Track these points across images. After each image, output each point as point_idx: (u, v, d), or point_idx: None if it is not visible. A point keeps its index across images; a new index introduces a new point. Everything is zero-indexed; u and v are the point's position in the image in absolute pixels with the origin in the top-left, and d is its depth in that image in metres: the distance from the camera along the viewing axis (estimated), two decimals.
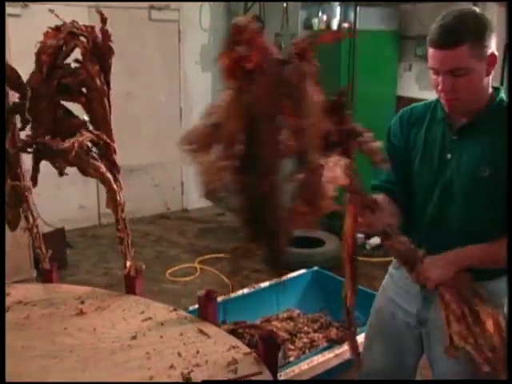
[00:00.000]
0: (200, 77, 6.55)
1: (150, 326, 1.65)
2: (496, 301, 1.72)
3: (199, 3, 6.36)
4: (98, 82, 1.65)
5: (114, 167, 1.72)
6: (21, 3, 5.11)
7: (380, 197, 1.88)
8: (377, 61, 5.57)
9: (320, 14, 5.56)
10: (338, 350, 2.65)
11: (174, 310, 1.76)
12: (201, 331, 1.62)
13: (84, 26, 1.65)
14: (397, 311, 1.98)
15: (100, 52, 1.66)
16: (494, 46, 1.74)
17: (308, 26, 5.63)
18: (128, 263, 1.79)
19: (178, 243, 5.55)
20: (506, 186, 1.66)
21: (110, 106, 1.69)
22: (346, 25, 5.42)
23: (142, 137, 6.15)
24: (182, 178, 6.59)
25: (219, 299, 3.14)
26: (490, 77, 1.77)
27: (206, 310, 1.69)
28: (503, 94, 1.82)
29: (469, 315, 1.64)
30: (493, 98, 1.78)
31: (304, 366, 2.52)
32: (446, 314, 1.67)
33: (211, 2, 6.46)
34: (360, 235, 5.61)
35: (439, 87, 1.70)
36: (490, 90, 1.79)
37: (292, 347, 2.72)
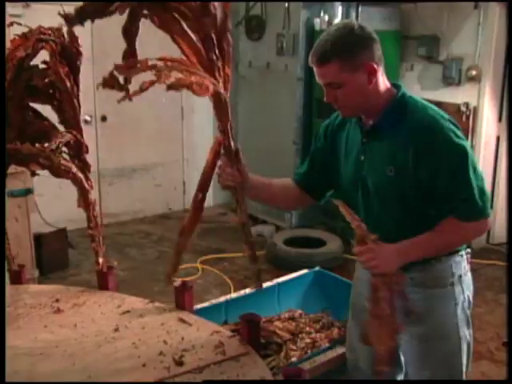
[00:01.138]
0: None
1: (129, 319, 1.68)
2: (442, 282, 1.90)
3: None
4: (67, 83, 1.68)
5: (85, 166, 1.76)
6: (23, 3, 5.12)
7: (283, 180, 2.30)
8: None
9: (322, 14, 5.55)
10: (340, 350, 2.65)
11: (151, 302, 1.79)
12: (181, 320, 1.65)
13: (51, 29, 1.66)
14: (366, 303, 2.01)
15: (68, 54, 1.70)
16: (374, 55, 1.89)
17: (310, 26, 5.62)
18: (100, 260, 1.83)
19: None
20: (409, 183, 1.79)
21: (79, 107, 1.73)
22: None
23: (143, 137, 6.15)
24: (183, 177, 6.59)
25: (221, 299, 3.14)
26: (380, 80, 1.89)
27: (184, 300, 1.74)
28: (404, 89, 1.92)
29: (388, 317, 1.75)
30: (393, 97, 1.88)
31: (306, 365, 2.52)
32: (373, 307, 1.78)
33: None
34: None
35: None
36: (388, 90, 1.90)
37: (294, 347, 2.72)
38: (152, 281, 4.33)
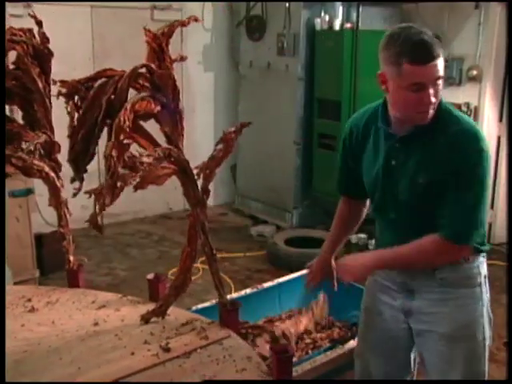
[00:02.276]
0: (202, 77, 6.56)
1: (107, 313, 1.70)
2: (471, 283, 1.93)
3: (201, 3, 6.35)
4: (39, 84, 1.69)
5: (56, 166, 1.77)
6: (23, 3, 5.12)
7: (340, 213, 2.41)
8: (379, 61, 5.56)
9: (322, 14, 5.56)
10: (340, 350, 2.65)
11: (124, 296, 1.81)
12: (153, 312, 1.66)
13: (22, 30, 1.68)
14: (383, 307, 2.05)
15: (40, 55, 1.70)
16: None
17: (310, 26, 5.63)
18: (71, 258, 1.85)
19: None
20: (436, 191, 1.80)
21: (51, 107, 1.74)
22: (348, 25, 5.41)
23: None
24: None
25: None
26: None
27: (157, 292, 1.77)
28: (445, 102, 1.89)
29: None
30: (440, 107, 1.84)
31: (307, 366, 2.52)
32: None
33: (213, 2, 6.45)
34: (363, 235, 5.62)
35: (425, 100, 1.76)
36: None
37: (295, 348, 2.72)
38: None
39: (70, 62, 4.68)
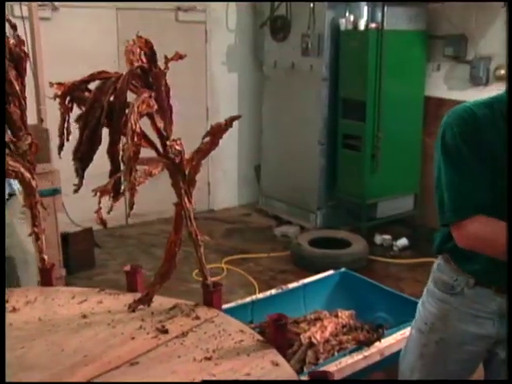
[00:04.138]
0: (226, 77, 6.57)
1: (91, 306, 1.70)
2: None
3: (225, 4, 6.37)
4: (16, 86, 1.73)
5: (31, 166, 1.80)
6: (51, 7, 5.19)
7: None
8: (404, 61, 5.53)
9: (347, 14, 5.53)
10: (366, 352, 2.64)
11: (102, 290, 1.81)
12: (140, 300, 1.68)
13: None
14: (465, 339, 1.90)
15: (16, 57, 1.73)
16: None
17: (335, 26, 5.61)
18: (45, 257, 1.85)
19: (204, 243, 5.55)
20: None
21: (26, 108, 1.79)
22: (373, 25, 5.39)
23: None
24: (208, 178, 6.61)
25: (247, 300, 3.15)
26: None
27: (135, 283, 1.80)
28: None
29: None
30: None
31: (332, 367, 2.51)
32: None
33: (237, 3, 6.47)
34: (387, 236, 5.58)
35: None
36: None
37: (320, 350, 2.71)
38: (178, 280, 4.35)
39: (96, 63, 4.68)
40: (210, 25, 6.35)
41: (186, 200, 1.61)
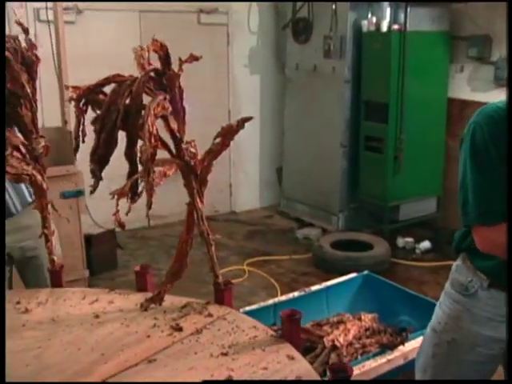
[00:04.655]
0: (248, 79, 6.58)
1: (102, 306, 1.70)
2: None
3: (247, 6, 6.38)
4: (27, 89, 1.75)
5: (42, 168, 1.82)
6: (75, 10, 5.24)
7: None
8: (427, 62, 5.49)
9: (369, 15, 5.51)
10: (389, 356, 2.62)
11: (111, 290, 1.81)
12: (151, 299, 1.69)
13: (9, 36, 1.74)
14: (478, 341, 1.88)
15: (27, 61, 1.76)
16: None
17: (357, 27, 5.59)
18: (55, 258, 1.86)
19: (226, 245, 5.58)
20: None
21: (37, 110, 1.81)
22: (395, 26, 5.35)
23: (190, 138, 6.20)
24: (230, 180, 6.63)
25: (270, 302, 3.14)
26: None
27: (145, 283, 1.81)
28: None
29: None
30: None
31: (356, 370, 2.49)
32: None
33: (259, 4, 6.47)
34: (410, 239, 5.54)
35: None
36: None
37: (344, 353, 2.70)
38: (198, 282, 4.35)
39: (119, 66, 4.73)
40: (232, 27, 6.36)
41: (197, 200, 1.64)
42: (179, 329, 1.55)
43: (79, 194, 4.09)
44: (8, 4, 4.96)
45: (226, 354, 1.43)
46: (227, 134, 1.61)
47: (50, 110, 4.21)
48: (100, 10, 5.38)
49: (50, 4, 4.60)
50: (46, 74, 4.84)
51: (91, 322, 1.61)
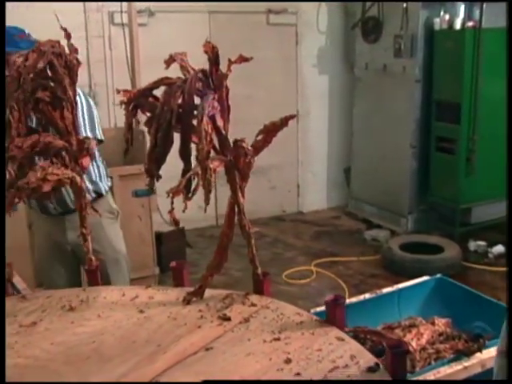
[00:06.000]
0: (317, 79, 6.56)
1: (144, 301, 1.72)
2: None
3: (317, 6, 6.36)
4: (70, 92, 1.80)
5: (81, 169, 1.87)
6: (148, 13, 5.37)
7: None
8: (503, 60, 5.32)
9: (442, 13, 5.39)
10: (466, 363, 2.54)
11: (148, 286, 1.83)
12: (192, 293, 1.71)
13: (51, 41, 1.78)
14: None
15: (70, 66, 1.80)
16: None
17: (429, 26, 5.48)
18: (92, 257, 1.89)
19: (293, 245, 5.58)
20: None
21: (77, 112, 1.87)
22: (470, 23, 5.22)
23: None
24: (298, 180, 6.63)
25: None
26: None
27: (182, 278, 1.85)
28: None
29: None
30: None
31: (430, 376, 2.43)
32: None
33: (328, 4, 6.43)
34: (482, 243, 5.39)
35: None
36: None
37: (417, 358, 2.64)
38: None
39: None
40: (301, 27, 6.35)
41: (239, 195, 1.67)
42: (227, 318, 1.58)
43: (151, 192, 4.17)
44: (86, 8, 5.14)
45: (278, 339, 1.47)
46: (270, 132, 1.64)
47: (122, 111, 4.32)
48: (171, 12, 5.48)
49: (124, 7, 4.73)
50: (119, 76, 4.99)
51: (137, 317, 1.64)
